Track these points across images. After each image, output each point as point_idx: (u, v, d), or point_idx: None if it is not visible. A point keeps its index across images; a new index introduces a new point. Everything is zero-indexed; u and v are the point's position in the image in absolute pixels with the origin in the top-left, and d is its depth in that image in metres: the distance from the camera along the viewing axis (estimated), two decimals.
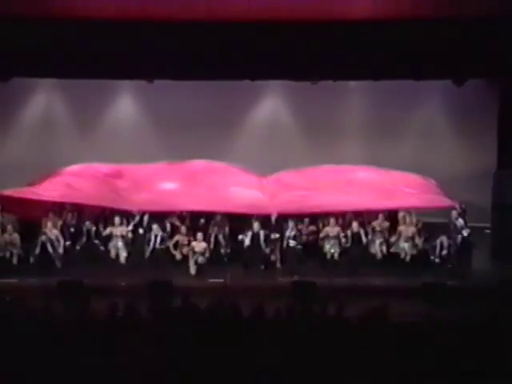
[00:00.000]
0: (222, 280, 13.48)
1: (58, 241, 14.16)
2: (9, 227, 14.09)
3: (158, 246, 14.28)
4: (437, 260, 14.13)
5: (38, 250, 13.94)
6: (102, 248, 14.47)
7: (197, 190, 15.13)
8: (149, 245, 14.26)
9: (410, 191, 15.24)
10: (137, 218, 14.58)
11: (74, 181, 15.12)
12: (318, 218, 14.92)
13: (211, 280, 13.56)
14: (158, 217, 14.70)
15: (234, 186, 15.37)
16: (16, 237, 14.08)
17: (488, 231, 15.96)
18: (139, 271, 13.78)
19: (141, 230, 14.44)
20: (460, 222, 14.25)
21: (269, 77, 16.07)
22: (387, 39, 14.66)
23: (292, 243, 14.28)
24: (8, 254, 13.94)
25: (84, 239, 14.49)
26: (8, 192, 14.29)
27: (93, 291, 11.69)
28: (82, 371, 7.51)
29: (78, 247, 14.46)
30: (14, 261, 13.96)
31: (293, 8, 14.40)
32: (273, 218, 14.38)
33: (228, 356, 7.73)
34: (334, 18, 14.52)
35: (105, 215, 14.99)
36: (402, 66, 15.05)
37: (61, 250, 14.13)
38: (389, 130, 17.25)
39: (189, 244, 14.29)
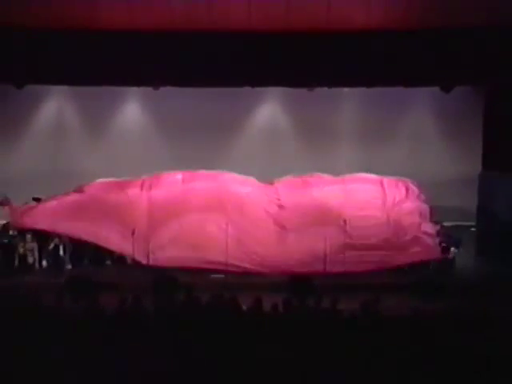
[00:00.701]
0: (222, 276, 13.49)
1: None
2: (28, 236, 14.26)
3: None
4: None
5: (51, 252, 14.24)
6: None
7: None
8: None
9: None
10: None
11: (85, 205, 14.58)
12: None
13: (213, 275, 13.59)
14: None
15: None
16: (34, 246, 14.30)
17: (473, 229, 16.02)
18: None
19: None
20: None
21: (268, 84, 16.09)
22: (379, 49, 14.70)
23: None
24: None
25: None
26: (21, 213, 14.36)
27: (101, 287, 11.73)
28: (90, 362, 7.53)
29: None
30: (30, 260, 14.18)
31: (290, 19, 14.42)
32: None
33: (228, 347, 7.77)
34: (329, 29, 14.53)
35: None
36: (393, 74, 15.07)
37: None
38: (381, 134, 17.27)
39: None
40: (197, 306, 9.20)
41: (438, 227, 14.47)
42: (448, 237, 14.48)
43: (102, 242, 14.13)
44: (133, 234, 13.64)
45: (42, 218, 14.30)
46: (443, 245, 14.18)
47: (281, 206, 14.63)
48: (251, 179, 15.34)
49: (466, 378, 7.31)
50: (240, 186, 15.04)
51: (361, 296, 9.61)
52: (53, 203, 14.57)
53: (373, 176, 15.39)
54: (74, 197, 14.68)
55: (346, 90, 17.06)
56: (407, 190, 15.02)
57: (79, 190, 14.83)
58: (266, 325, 8.45)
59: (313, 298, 9.50)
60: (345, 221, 13.78)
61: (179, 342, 7.84)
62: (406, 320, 8.79)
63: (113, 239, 14.07)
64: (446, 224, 15.16)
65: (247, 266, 13.80)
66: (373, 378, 7.34)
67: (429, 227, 14.31)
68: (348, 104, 17.48)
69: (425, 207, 14.69)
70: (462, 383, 7.30)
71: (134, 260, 14.03)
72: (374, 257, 13.78)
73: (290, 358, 7.54)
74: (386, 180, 15.30)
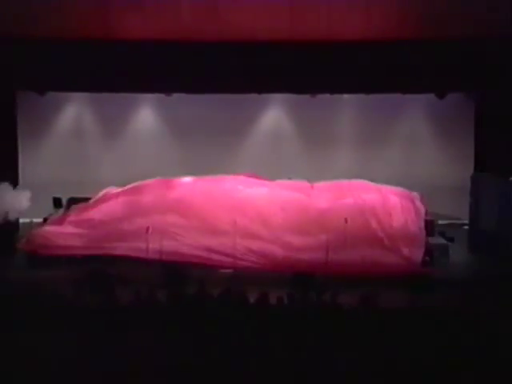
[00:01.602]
0: (231, 271, 13.54)
1: None
2: None
3: None
4: None
5: None
6: None
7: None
8: None
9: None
10: None
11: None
12: None
13: (222, 270, 13.66)
14: None
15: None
16: None
17: (466, 227, 16.05)
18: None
19: None
20: None
21: (273, 90, 16.22)
22: (377, 57, 14.80)
23: None
24: None
25: None
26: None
27: (117, 280, 11.80)
28: (107, 351, 7.58)
29: None
30: None
31: (293, 30, 14.51)
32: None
33: (236, 337, 7.83)
34: (330, 39, 14.64)
35: None
36: (390, 81, 15.17)
37: None
38: (379, 138, 17.30)
39: None
40: (207, 300, 9.27)
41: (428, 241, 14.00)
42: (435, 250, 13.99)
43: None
44: (147, 231, 13.65)
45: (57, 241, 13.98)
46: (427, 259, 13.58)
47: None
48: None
49: (460, 370, 7.36)
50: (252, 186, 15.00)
51: (360, 290, 9.68)
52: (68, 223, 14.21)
53: (384, 187, 15.05)
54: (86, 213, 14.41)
55: (346, 96, 17.11)
56: (413, 204, 14.51)
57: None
58: (271, 317, 8.52)
59: (315, 292, 9.55)
60: (346, 220, 13.66)
61: (190, 333, 7.90)
62: (402, 312, 8.88)
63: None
64: (440, 222, 15.26)
65: (254, 260, 13.80)
66: (372, 366, 7.39)
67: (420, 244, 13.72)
68: (348, 109, 17.50)
69: (421, 224, 14.09)
70: (457, 374, 7.34)
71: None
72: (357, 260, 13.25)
73: (293, 348, 7.60)
74: (392, 191, 14.93)
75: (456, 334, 7.92)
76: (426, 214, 14.42)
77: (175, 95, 16.32)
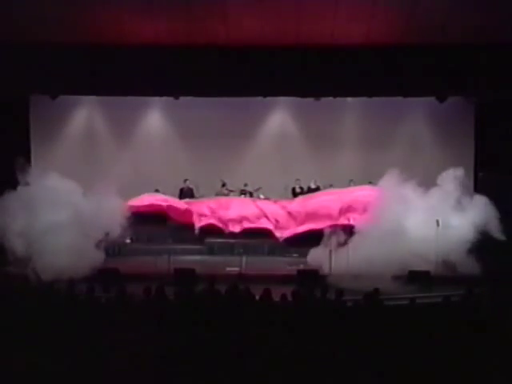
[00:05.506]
0: (237, 268, 13.61)
1: None
2: None
3: None
4: None
5: None
6: None
7: None
8: None
9: None
10: None
11: None
12: None
13: (228, 268, 13.71)
14: None
15: None
16: None
17: None
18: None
19: None
20: None
21: (278, 94, 16.25)
22: (379, 62, 14.82)
23: None
24: None
25: None
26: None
27: (128, 277, 11.87)
28: (119, 346, 7.60)
29: None
30: None
31: (299, 34, 14.54)
32: None
33: (242, 333, 7.85)
34: (334, 44, 14.67)
35: None
36: (392, 85, 15.18)
37: None
38: (381, 140, 17.32)
39: None
40: (215, 296, 9.30)
41: None
42: None
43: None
44: None
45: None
46: None
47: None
48: None
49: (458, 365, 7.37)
50: None
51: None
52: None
53: None
54: None
55: (349, 99, 17.14)
56: None
57: None
58: (276, 313, 8.55)
59: (319, 289, 9.57)
60: (348, 219, 13.79)
61: (198, 327, 7.93)
62: (403, 308, 8.90)
63: None
64: None
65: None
66: (372, 361, 7.41)
67: None
68: (351, 112, 17.53)
69: None
70: (456, 369, 7.35)
71: None
72: None
73: (297, 342, 7.62)
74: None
75: (457, 332, 7.93)
76: None
77: (183, 98, 16.36)
